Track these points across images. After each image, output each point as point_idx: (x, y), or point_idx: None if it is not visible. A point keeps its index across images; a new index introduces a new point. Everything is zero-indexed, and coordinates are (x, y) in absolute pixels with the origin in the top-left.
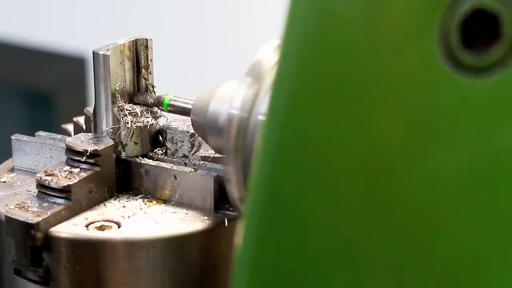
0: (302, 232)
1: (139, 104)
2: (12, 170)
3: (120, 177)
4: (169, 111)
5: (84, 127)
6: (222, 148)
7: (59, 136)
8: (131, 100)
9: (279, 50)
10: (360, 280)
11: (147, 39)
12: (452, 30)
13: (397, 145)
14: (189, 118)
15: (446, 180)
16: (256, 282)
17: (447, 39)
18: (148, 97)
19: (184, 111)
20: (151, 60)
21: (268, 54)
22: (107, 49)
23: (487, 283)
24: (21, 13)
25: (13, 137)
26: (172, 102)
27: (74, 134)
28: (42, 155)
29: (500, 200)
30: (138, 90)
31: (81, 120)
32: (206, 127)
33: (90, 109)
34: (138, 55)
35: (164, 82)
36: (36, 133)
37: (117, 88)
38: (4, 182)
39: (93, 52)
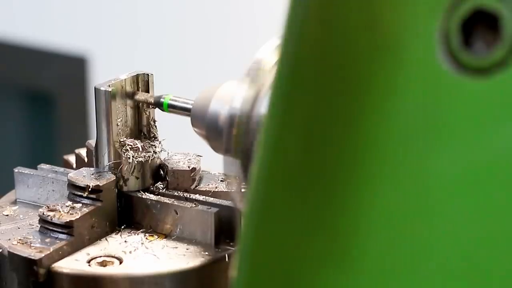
0: (302, 232)
1: (139, 102)
2: (14, 202)
3: (122, 211)
4: (169, 111)
5: (85, 159)
6: (222, 148)
7: (61, 169)
8: (132, 135)
9: (279, 50)
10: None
11: (148, 74)
12: (453, 30)
13: (396, 145)
14: (189, 153)
15: (446, 181)
16: (256, 281)
17: (447, 39)
18: (149, 97)
19: (184, 111)
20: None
21: (268, 54)
22: (109, 85)
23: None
24: (21, 13)
25: (15, 170)
26: (172, 102)
27: (76, 166)
28: (44, 188)
29: (499, 200)
30: (139, 125)
31: (82, 152)
32: (206, 127)
33: (92, 142)
34: (140, 90)
35: (164, 82)
36: (38, 166)
37: (118, 124)
38: (7, 215)
39: (95, 87)
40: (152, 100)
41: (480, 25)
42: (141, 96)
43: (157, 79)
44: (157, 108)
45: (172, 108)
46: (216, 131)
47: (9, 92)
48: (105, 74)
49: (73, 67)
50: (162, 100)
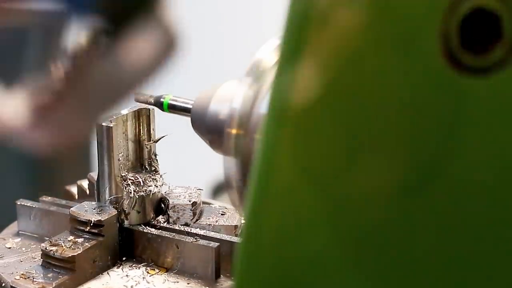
0: (301, 230)
1: (141, 102)
2: (17, 234)
3: (123, 245)
4: (169, 112)
5: (87, 191)
6: (222, 148)
7: (63, 201)
8: (134, 169)
9: (279, 50)
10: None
11: (149, 109)
12: (453, 31)
13: (397, 144)
14: (190, 186)
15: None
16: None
17: (447, 40)
18: (149, 97)
19: (184, 111)
20: (153, 129)
21: (268, 54)
22: (110, 120)
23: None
24: None
25: (18, 202)
26: (172, 102)
27: (78, 197)
28: (46, 221)
29: (499, 199)
30: (141, 159)
31: (84, 184)
32: (206, 127)
33: (93, 174)
34: (141, 124)
35: (164, 82)
36: (40, 198)
37: (120, 158)
38: (9, 248)
39: (96, 123)
40: (152, 100)
41: (480, 25)
42: (141, 96)
43: (157, 79)
44: (157, 143)
45: (172, 108)
46: (216, 131)
47: None
48: None
49: None
50: (162, 100)
